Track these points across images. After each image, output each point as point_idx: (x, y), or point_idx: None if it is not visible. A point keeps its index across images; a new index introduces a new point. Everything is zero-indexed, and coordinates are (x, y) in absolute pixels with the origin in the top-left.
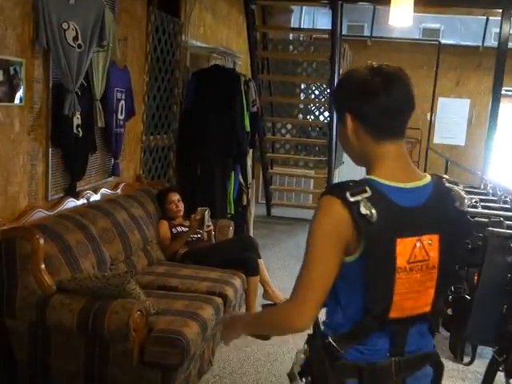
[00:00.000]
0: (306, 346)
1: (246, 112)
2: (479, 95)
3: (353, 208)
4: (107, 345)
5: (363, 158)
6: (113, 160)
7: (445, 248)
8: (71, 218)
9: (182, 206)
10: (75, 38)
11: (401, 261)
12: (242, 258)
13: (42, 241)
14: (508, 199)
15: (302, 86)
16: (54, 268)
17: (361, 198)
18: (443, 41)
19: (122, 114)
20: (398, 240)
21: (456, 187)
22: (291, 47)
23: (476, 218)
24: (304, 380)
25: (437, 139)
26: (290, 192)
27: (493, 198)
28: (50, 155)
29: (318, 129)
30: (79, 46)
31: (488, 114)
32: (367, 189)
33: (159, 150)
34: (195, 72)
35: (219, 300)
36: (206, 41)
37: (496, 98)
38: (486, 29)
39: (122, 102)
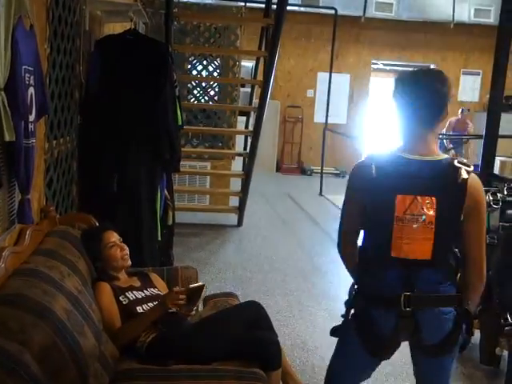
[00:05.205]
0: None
1: (176, 98)
2: (359, 70)
3: (366, 170)
4: None
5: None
6: (19, 196)
7: (441, 209)
8: None
9: (128, 250)
10: None
11: (398, 211)
12: (253, 341)
13: None
14: None
15: (194, 61)
16: None
17: (373, 164)
18: (323, 10)
19: (31, 113)
20: (398, 196)
21: (463, 166)
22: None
23: None
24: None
25: (318, 118)
26: (192, 194)
27: None
28: None
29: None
30: None
31: (369, 89)
32: (383, 156)
33: (63, 160)
34: (100, 40)
35: None
36: None
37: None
38: None
39: (32, 90)
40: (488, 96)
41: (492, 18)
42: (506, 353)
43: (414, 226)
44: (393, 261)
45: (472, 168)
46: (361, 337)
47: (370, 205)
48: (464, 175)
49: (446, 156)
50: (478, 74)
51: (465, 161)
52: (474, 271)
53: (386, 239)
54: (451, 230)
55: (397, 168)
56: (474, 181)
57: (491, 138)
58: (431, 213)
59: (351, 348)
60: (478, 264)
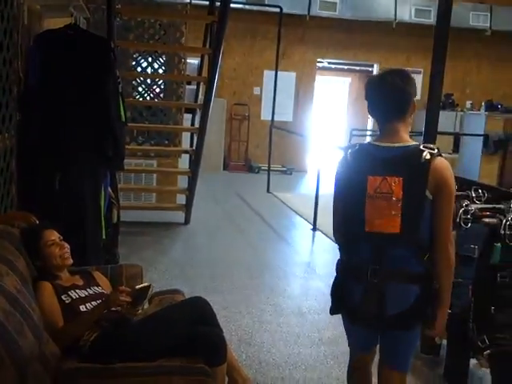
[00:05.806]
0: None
1: (119, 95)
2: (304, 68)
3: (343, 157)
4: None
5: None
6: None
7: (407, 188)
8: None
9: (68, 248)
10: None
11: (370, 190)
12: (197, 337)
13: None
14: None
15: (139, 58)
16: None
17: (349, 151)
18: (268, 8)
19: None
20: (369, 177)
21: (426, 149)
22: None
23: None
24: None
25: (264, 115)
26: (138, 192)
27: None
28: None
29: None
30: None
31: (314, 87)
32: (357, 145)
33: (1, 157)
34: (40, 35)
35: None
36: None
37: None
38: None
39: None
40: None
41: (432, 18)
42: (445, 342)
43: (384, 202)
44: (366, 235)
45: (436, 151)
46: (341, 306)
47: (346, 186)
48: (427, 156)
49: (415, 143)
50: (420, 73)
51: (431, 146)
52: (439, 254)
53: (360, 216)
54: (416, 206)
55: (369, 153)
56: (439, 161)
57: (430, 135)
58: (398, 191)
59: (343, 317)
60: (443, 245)
